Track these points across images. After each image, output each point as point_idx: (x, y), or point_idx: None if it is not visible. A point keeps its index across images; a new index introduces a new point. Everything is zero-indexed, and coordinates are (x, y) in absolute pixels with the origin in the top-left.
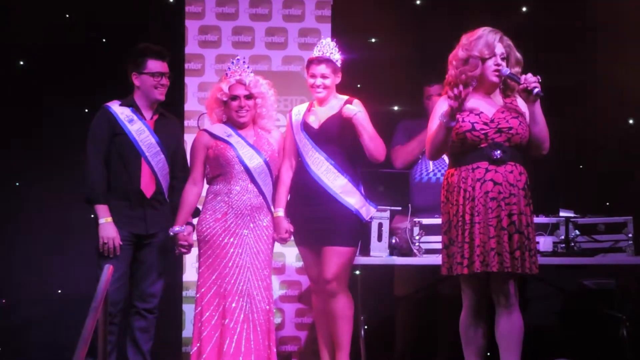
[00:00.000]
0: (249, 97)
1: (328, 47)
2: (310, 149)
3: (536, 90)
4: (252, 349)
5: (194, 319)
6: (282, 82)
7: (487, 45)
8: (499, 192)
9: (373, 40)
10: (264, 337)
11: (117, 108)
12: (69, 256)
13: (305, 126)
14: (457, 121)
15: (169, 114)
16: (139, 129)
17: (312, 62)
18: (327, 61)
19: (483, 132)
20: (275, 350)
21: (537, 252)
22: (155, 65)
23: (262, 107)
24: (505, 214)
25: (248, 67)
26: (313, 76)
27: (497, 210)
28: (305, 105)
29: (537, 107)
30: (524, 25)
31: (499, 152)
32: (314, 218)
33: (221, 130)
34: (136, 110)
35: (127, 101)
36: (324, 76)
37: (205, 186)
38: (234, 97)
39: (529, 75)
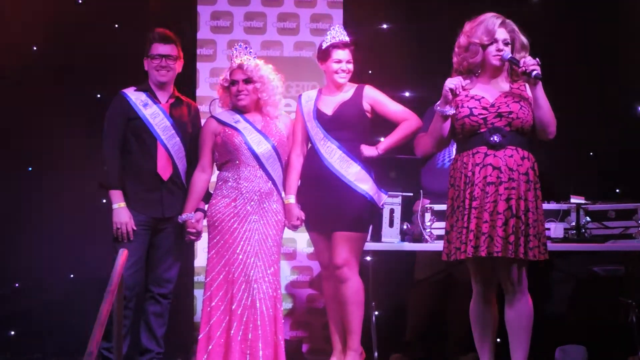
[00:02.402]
0: (248, 81)
1: (344, 34)
2: (322, 138)
3: (535, 72)
4: (259, 335)
5: (203, 303)
6: (294, 68)
7: (486, 31)
8: (497, 177)
9: (385, 26)
10: (270, 323)
11: (132, 93)
12: (83, 240)
13: (318, 113)
14: (453, 111)
15: (186, 98)
16: (154, 113)
17: (336, 47)
18: (349, 46)
19: (482, 116)
20: (282, 336)
21: (540, 237)
22: (157, 48)
23: (262, 92)
24: (503, 199)
25: (251, 52)
26: (339, 61)
27: (494, 195)
28: (315, 92)
29: (539, 90)
30: (534, 12)
31: (497, 136)
32: (325, 204)
33: (229, 116)
34: (151, 94)
35: (143, 86)
36: (348, 61)
37: (216, 172)
38: (233, 82)
39: (528, 58)
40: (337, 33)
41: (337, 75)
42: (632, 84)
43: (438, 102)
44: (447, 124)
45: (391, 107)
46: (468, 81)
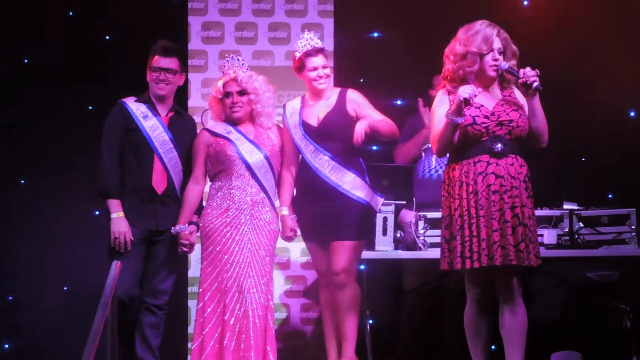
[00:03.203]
0: (242, 93)
1: (313, 39)
2: (313, 150)
3: (535, 84)
4: (251, 345)
5: (196, 314)
6: (285, 78)
7: (485, 40)
8: (500, 185)
9: (375, 34)
10: (262, 333)
11: (132, 104)
12: (78, 252)
13: (304, 125)
14: (463, 119)
15: (185, 113)
16: (153, 125)
17: (309, 54)
18: (322, 51)
19: (484, 125)
20: (270, 347)
21: (538, 243)
22: (157, 60)
23: (256, 103)
24: (508, 207)
25: (243, 64)
26: (314, 69)
27: (499, 203)
28: (298, 101)
29: (536, 100)
30: (525, 17)
31: (499, 145)
32: (322, 213)
33: (221, 127)
34: (151, 106)
35: (143, 97)
36: (324, 66)
37: (209, 183)
38: (227, 94)
39: (528, 69)
40: (307, 40)
41: (316, 82)
42: (625, 89)
43: (449, 110)
44: (457, 132)
45: (372, 114)
46: (480, 89)
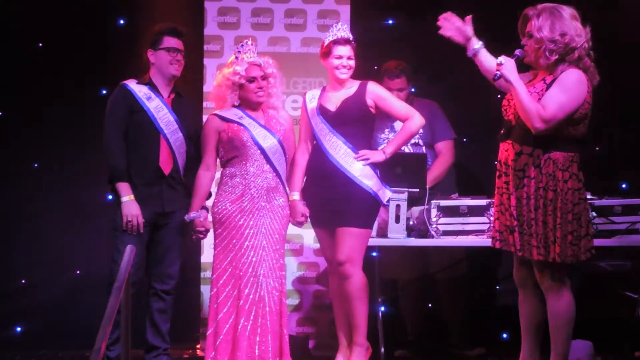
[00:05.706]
0: (264, 77)
1: (346, 30)
2: (328, 133)
3: (497, 74)
4: (268, 329)
5: (210, 300)
6: (301, 64)
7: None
8: (497, 170)
9: (391, 21)
10: (277, 317)
11: (134, 86)
12: (86, 237)
13: (322, 109)
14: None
15: (185, 95)
16: (158, 106)
17: (337, 43)
18: (351, 42)
19: (504, 108)
20: (286, 330)
21: (540, 238)
22: (170, 41)
23: (273, 87)
24: (498, 192)
25: (255, 49)
26: (339, 57)
27: (495, 187)
28: (318, 90)
29: (512, 85)
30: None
31: (502, 129)
32: (329, 199)
33: (232, 113)
34: (153, 88)
35: (144, 79)
36: (349, 57)
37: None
38: (252, 79)
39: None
40: (339, 30)
41: (338, 71)
42: (638, 79)
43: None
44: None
45: (394, 104)
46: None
